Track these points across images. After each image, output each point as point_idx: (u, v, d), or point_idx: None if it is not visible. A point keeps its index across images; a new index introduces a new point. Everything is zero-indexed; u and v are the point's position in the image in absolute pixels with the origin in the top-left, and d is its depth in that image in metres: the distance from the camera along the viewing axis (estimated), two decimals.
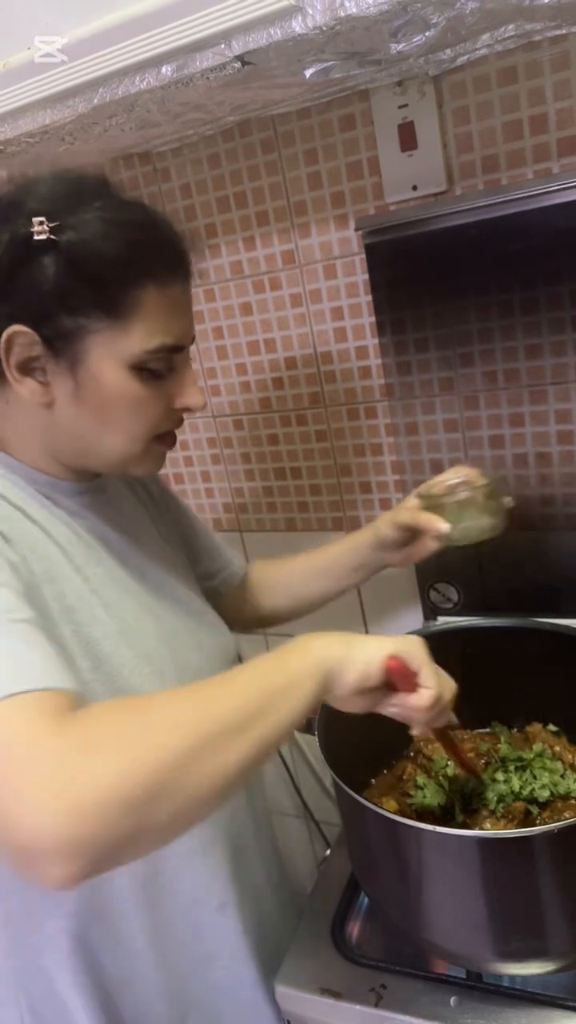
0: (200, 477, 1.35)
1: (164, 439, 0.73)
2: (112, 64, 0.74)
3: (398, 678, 0.63)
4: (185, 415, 0.75)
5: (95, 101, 0.79)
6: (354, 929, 0.84)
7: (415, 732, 0.69)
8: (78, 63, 0.75)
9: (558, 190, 0.88)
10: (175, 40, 0.71)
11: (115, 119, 0.85)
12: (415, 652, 0.64)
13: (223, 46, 0.72)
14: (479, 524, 0.84)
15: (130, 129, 0.90)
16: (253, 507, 1.33)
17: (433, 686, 0.64)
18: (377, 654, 0.62)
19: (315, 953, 0.79)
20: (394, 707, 0.65)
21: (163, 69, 0.75)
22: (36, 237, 0.61)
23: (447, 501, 0.84)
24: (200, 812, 0.52)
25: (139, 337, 0.65)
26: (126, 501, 0.84)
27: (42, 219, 0.61)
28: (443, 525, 0.82)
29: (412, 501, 0.88)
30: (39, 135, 0.86)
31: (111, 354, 0.65)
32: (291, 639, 0.62)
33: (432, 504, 0.85)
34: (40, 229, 0.61)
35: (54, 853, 0.45)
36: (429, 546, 0.87)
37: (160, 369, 0.68)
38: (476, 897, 0.67)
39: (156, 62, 0.74)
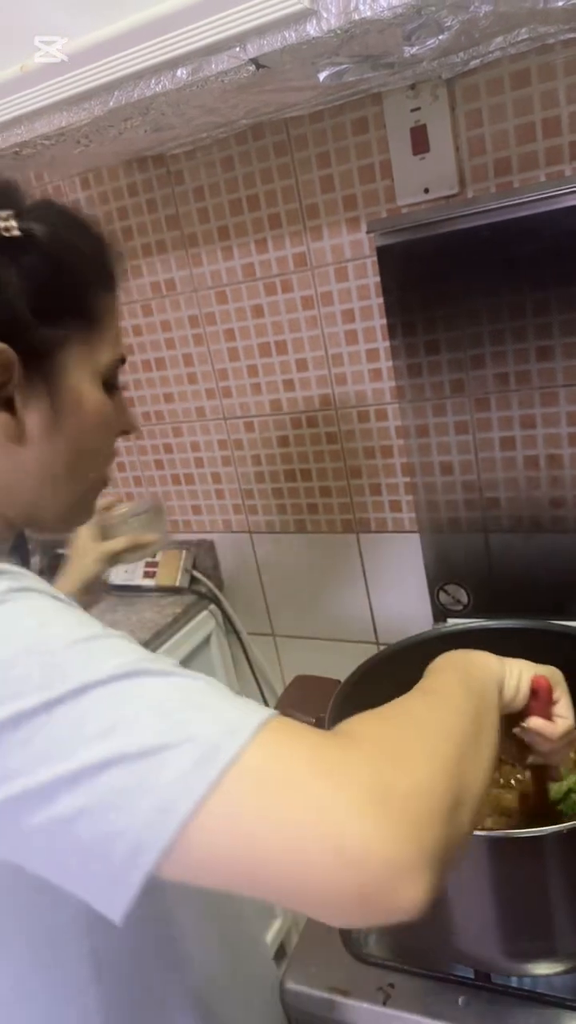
0: (211, 478, 1.36)
1: (99, 481, 0.63)
2: (128, 67, 0.75)
3: (542, 699, 0.62)
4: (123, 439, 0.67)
5: (110, 104, 0.80)
6: (361, 929, 0.84)
7: (529, 761, 0.67)
8: (94, 66, 0.76)
9: (570, 193, 0.89)
10: (190, 43, 0.72)
11: (130, 122, 0.86)
12: (556, 679, 0.63)
13: (238, 49, 0.72)
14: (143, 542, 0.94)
15: (145, 132, 0.91)
16: (263, 509, 1.33)
17: (569, 716, 0.63)
18: (527, 671, 0.61)
19: (323, 951, 0.79)
20: (527, 729, 0.63)
21: (178, 72, 0.75)
22: (3, 235, 0.51)
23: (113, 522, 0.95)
24: (478, 815, 0.47)
25: (109, 346, 0.57)
26: None
27: (8, 213, 0.52)
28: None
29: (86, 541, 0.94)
30: (55, 137, 0.87)
31: (87, 368, 0.56)
32: (448, 658, 0.59)
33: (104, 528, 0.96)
34: (7, 225, 0.51)
35: (408, 872, 0.39)
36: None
37: (115, 383, 0.60)
38: (485, 897, 0.67)
39: (171, 65, 0.75)
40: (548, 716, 0.63)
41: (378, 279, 1.06)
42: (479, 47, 0.85)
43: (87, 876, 0.40)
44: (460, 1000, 0.71)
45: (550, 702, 0.63)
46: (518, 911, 0.68)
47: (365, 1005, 0.73)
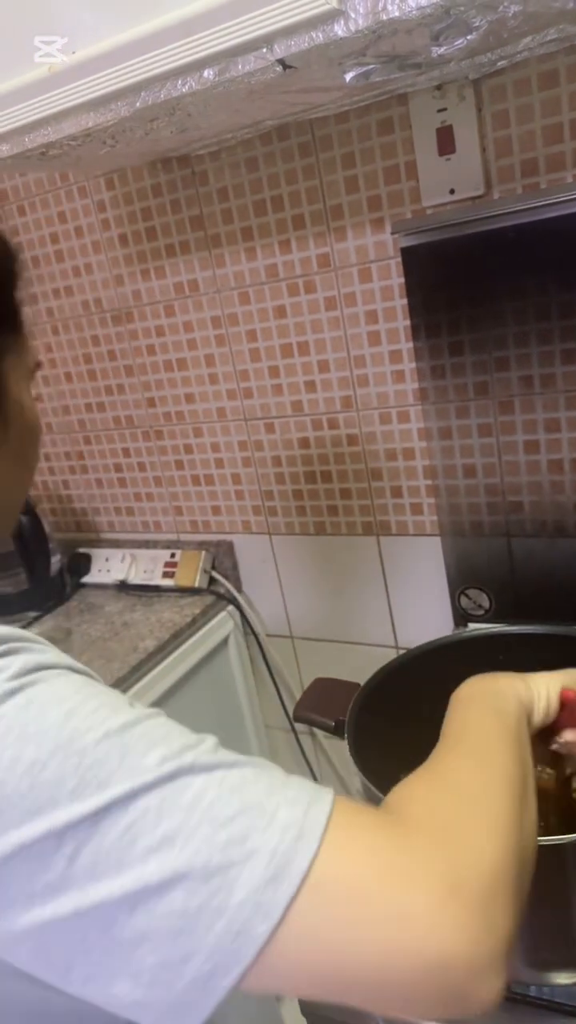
0: (231, 479, 1.36)
1: None
2: (155, 68, 0.75)
3: (571, 711, 0.62)
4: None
5: (137, 104, 0.80)
6: None
7: (569, 771, 0.67)
8: (121, 67, 0.76)
9: None
10: (218, 44, 0.72)
11: (156, 122, 0.86)
12: None
13: (265, 50, 0.72)
14: None
15: (170, 132, 0.91)
16: (283, 510, 1.33)
17: None
18: (554, 686, 0.61)
19: None
20: (565, 744, 0.63)
21: (205, 73, 0.75)
22: None
23: None
24: (534, 868, 0.46)
25: (31, 352, 0.55)
26: None
27: None
28: None
29: None
30: (81, 138, 0.87)
31: (24, 374, 0.54)
32: (474, 685, 0.59)
33: None
34: None
35: (484, 971, 0.37)
36: None
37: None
38: None
39: (198, 66, 0.75)
40: None
41: (402, 280, 1.05)
42: (507, 47, 0.85)
43: (148, 1003, 0.37)
44: None
45: None
46: (538, 920, 0.67)
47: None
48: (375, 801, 0.72)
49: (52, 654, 0.43)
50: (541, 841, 0.64)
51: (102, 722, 0.39)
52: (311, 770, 1.44)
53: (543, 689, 0.60)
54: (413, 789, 0.45)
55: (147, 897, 0.36)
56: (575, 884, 0.64)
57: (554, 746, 0.64)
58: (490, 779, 0.46)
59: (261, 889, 0.36)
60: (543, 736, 0.63)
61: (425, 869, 0.38)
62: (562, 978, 0.70)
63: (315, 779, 1.40)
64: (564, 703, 0.62)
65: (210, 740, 0.42)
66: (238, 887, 0.36)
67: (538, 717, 0.59)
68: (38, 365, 0.57)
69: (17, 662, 0.40)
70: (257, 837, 0.37)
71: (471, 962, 0.37)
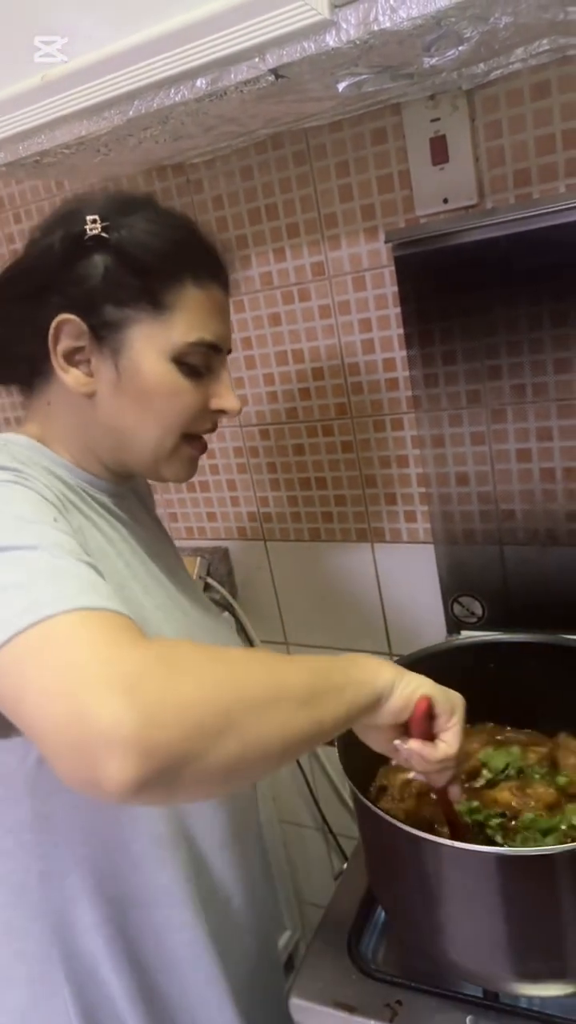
0: (226, 485, 1.36)
1: (195, 442, 0.76)
2: (148, 77, 0.76)
3: (417, 718, 0.64)
4: (219, 420, 0.77)
5: (130, 113, 0.80)
6: (370, 943, 0.83)
7: (410, 776, 0.71)
8: (114, 76, 0.77)
9: None
10: (210, 54, 0.72)
11: (149, 131, 0.86)
12: (451, 705, 0.66)
13: (257, 60, 0.73)
14: None
15: (164, 141, 0.92)
16: (278, 516, 1.33)
17: (452, 744, 0.66)
18: (417, 690, 0.64)
19: (331, 966, 0.78)
20: (405, 747, 0.66)
21: (198, 82, 0.76)
22: (89, 234, 0.67)
23: None
24: (253, 768, 0.53)
25: (180, 329, 0.69)
26: (146, 515, 0.86)
27: (95, 217, 0.67)
28: None
29: None
30: (75, 146, 0.87)
31: (153, 344, 0.69)
32: (345, 655, 0.64)
33: None
34: (92, 226, 0.67)
35: (118, 748, 0.45)
36: None
37: (198, 365, 0.72)
38: (495, 915, 0.66)
39: (191, 75, 0.75)
40: (430, 737, 0.66)
41: (396, 289, 1.05)
42: (499, 58, 0.85)
43: None
44: (468, 1019, 0.71)
45: (427, 723, 0.65)
46: (529, 930, 0.67)
47: (372, 1022, 0.72)
48: (362, 809, 0.72)
49: (30, 480, 0.62)
50: (530, 852, 0.64)
51: (23, 514, 0.57)
52: (305, 778, 1.43)
53: (413, 685, 0.64)
54: (191, 643, 0.55)
55: None
56: (564, 895, 0.64)
57: (396, 741, 0.66)
58: (253, 669, 0.55)
59: (14, 615, 0.50)
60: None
61: (126, 663, 0.48)
62: (553, 990, 0.70)
63: (309, 787, 1.40)
64: (415, 709, 0.63)
65: (85, 557, 0.56)
66: (4, 608, 0.50)
67: (394, 703, 0.63)
68: (202, 346, 0.71)
69: (4, 475, 0.61)
70: (39, 591, 0.51)
71: (104, 732, 0.45)
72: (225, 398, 0.75)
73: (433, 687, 0.65)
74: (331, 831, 1.45)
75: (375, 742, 0.69)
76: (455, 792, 0.73)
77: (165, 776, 0.47)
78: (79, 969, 0.73)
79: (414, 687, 0.64)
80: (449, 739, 0.66)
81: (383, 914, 0.86)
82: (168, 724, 0.47)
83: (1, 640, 0.49)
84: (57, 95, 0.81)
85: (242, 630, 1.42)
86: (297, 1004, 0.76)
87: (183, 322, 0.70)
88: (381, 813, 0.68)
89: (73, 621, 0.50)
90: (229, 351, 0.77)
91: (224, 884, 0.80)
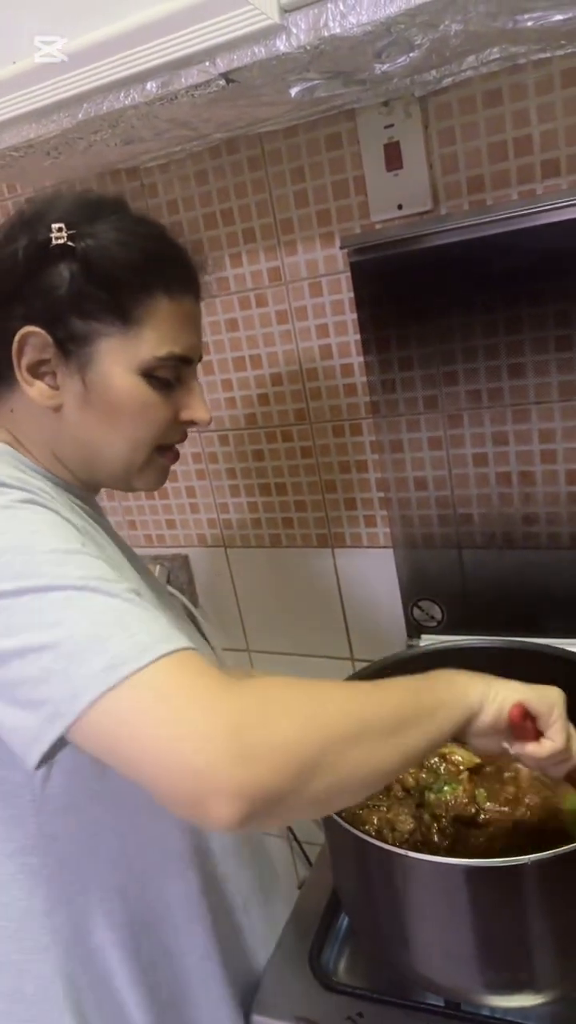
0: (185, 492, 1.35)
1: (167, 452, 0.75)
2: (96, 80, 0.74)
3: (516, 726, 0.64)
4: (189, 429, 0.76)
5: (79, 116, 0.79)
6: (332, 953, 0.82)
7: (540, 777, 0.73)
8: (62, 78, 0.75)
9: (542, 211, 0.89)
10: (159, 57, 0.71)
11: (99, 134, 0.85)
12: (548, 703, 0.66)
13: (207, 64, 0.72)
14: None
15: (115, 144, 0.90)
16: (238, 523, 1.32)
17: (559, 740, 0.65)
18: (509, 697, 0.64)
19: (292, 980, 0.78)
20: (513, 752, 0.66)
21: (147, 85, 0.75)
22: (54, 242, 0.64)
23: None
24: (344, 797, 0.55)
25: (150, 343, 0.67)
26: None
27: (61, 225, 0.64)
28: None
29: None
30: (24, 149, 0.86)
31: (121, 358, 0.67)
32: (432, 672, 0.64)
33: None
34: (58, 235, 0.64)
35: (225, 794, 0.47)
36: None
37: (168, 378, 0.70)
38: (462, 927, 0.66)
39: (140, 78, 0.74)
40: (535, 737, 0.66)
41: (352, 294, 1.05)
42: (451, 65, 0.85)
43: (16, 729, 0.52)
44: None
45: (528, 726, 0.65)
46: (497, 941, 0.66)
47: None
48: (330, 824, 0.72)
49: (44, 498, 0.61)
50: (497, 863, 0.64)
51: (56, 543, 0.56)
52: None
53: (501, 695, 0.64)
54: (276, 678, 0.56)
55: (30, 652, 0.51)
56: (532, 904, 0.64)
57: (504, 744, 0.66)
58: (345, 700, 0.56)
59: (99, 672, 0.49)
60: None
61: (225, 710, 0.50)
62: (519, 1000, 0.69)
63: None
64: (510, 717, 0.63)
65: (126, 585, 0.55)
66: (87, 664, 0.50)
67: (488, 717, 0.63)
68: (163, 358, 0.68)
69: (17, 495, 0.59)
70: (115, 642, 0.51)
71: (219, 781, 0.47)
72: (195, 409, 0.73)
73: (525, 690, 0.65)
74: (296, 839, 1.44)
75: (483, 748, 0.69)
76: None
77: (265, 813, 0.49)
78: (86, 1000, 0.70)
79: (503, 696, 0.63)
80: (554, 735, 0.65)
81: (345, 923, 0.85)
82: (270, 768, 0.49)
83: (91, 698, 0.49)
84: (3, 97, 0.79)
85: (203, 638, 1.40)
86: (258, 1021, 0.75)
87: (153, 336, 0.67)
88: (347, 826, 0.67)
89: (159, 672, 0.50)
90: (200, 359, 0.75)
91: (235, 897, 0.80)
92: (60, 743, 0.51)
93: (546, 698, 0.66)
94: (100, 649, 0.50)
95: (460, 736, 0.63)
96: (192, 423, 0.74)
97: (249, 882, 0.82)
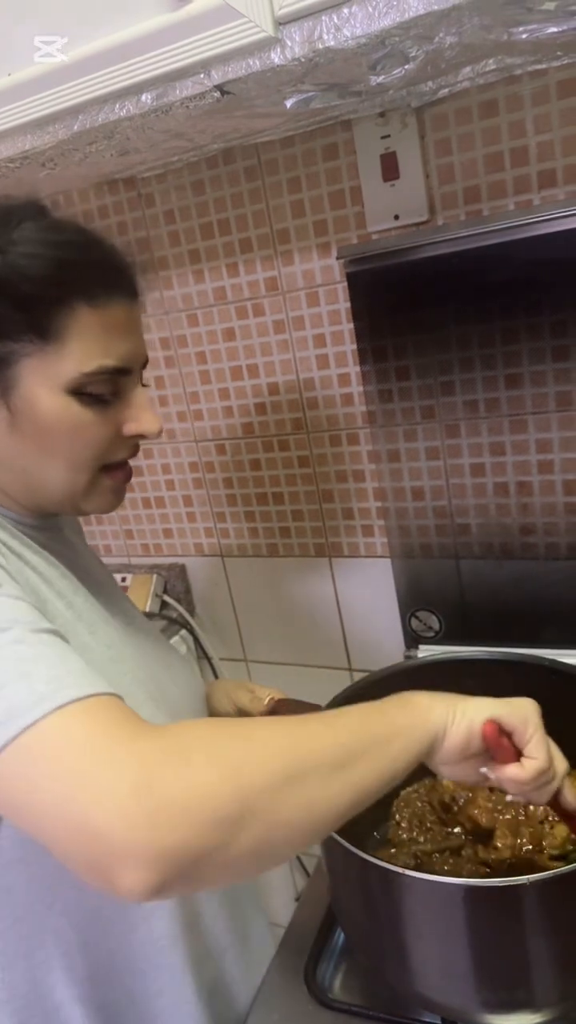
0: (182, 501, 1.34)
1: (114, 472, 0.68)
2: (91, 92, 0.74)
3: (492, 745, 0.59)
4: (141, 442, 0.70)
5: (75, 128, 0.79)
6: (328, 969, 0.81)
7: (508, 798, 0.66)
8: (57, 90, 0.75)
9: (538, 221, 0.89)
10: (154, 69, 0.71)
11: (95, 145, 0.85)
12: (522, 716, 0.60)
13: (202, 75, 0.72)
14: None
15: (111, 155, 0.90)
16: (235, 532, 1.32)
17: (540, 757, 0.60)
18: (479, 715, 0.59)
19: (287, 996, 0.77)
20: (494, 777, 0.61)
21: (142, 97, 0.75)
22: None
23: None
24: (283, 849, 0.49)
25: (75, 359, 0.61)
26: (80, 542, 0.81)
27: None
28: None
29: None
30: (19, 160, 0.86)
31: (45, 378, 0.61)
32: (389, 697, 0.59)
33: None
34: None
35: (131, 859, 0.43)
36: None
37: (103, 393, 0.64)
38: (460, 946, 0.65)
39: (135, 90, 0.74)
40: (516, 756, 0.61)
41: (349, 304, 1.05)
42: (447, 77, 0.85)
43: None
44: None
45: (505, 744, 0.60)
46: (496, 961, 0.65)
47: None
48: (327, 843, 0.71)
49: None
50: (496, 883, 0.63)
51: None
52: None
53: (469, 715, 0.59)
54: (209, 721, 0.53)
55: None
56: (531, 924, 0.63)
57: (483, 769, 0.61)
58: (277, 742, 0.50)
59: None
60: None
61: (132, 763, 0.45)
62: (516, 1020, 0.68)
63: None
64: (484, 738, 0.59)
65: (43, 624, 0.53)
66: None
67: (455, 741, 0.58)
68: (93, 373, 0.62)
69: None
70: (9, 692, 0.47)
71: (114, 847, 0.43)
72: (141, 421, 0.67)
73: (495, 705, 0.60)
74: None
75: (457, 777, 0.62)
76: (568, 799, 0.65)
77: (184, 876, 0.44)
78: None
79: (472, 715, 0.58)
80: (534, 751, 0.60)
81: (341, 939, 0.84)
82: (180, 826, 0.44)
83: None
84: None
85: (199, 648, 1.40)
86: None
87: (78, 351, 0.61)
88: (345, 843, 0.66)
89: (63, 721, 0.46)
90: (145, 364, 0.69)
91: (217, 938, 0.76)
92: None
93: (520, 711, 0.61)
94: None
95: (427, 764, 0.59)
96: (140, 436, 0.68)
97: (225, 923, 0.77)
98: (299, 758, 0.50)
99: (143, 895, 0.43)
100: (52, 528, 0.73)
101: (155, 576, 1.38)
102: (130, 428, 0.66)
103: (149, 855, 0.43)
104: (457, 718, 0.58)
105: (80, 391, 0.62)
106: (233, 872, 0.47)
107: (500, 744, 0.59)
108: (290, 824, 0.48)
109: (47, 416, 0.62)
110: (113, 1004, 0.70)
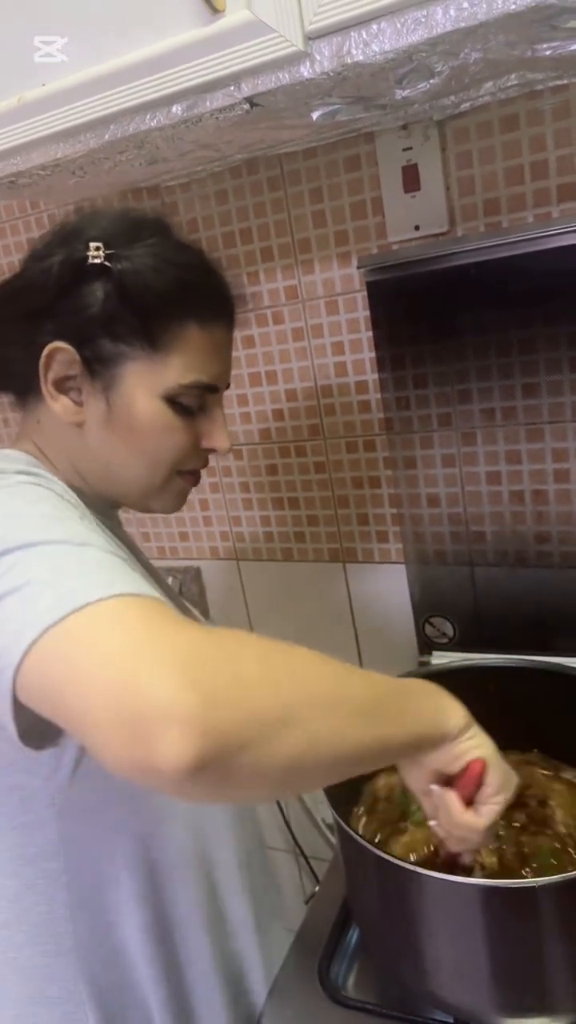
0: (198, 505, 1.36)
1: (187, 476, 0.75)
2: (124, 102, 0.76)
3: (467, 781, 0.60)
4: (210, 455, 0.76)
5: (106, 137, 0.81)
6: (341, 968, 0.82)
7: (436, 831, 0.66)
8: (91, 100, 0.77)
9: (557, 234, 0.90)
10: (186, 81, 0.73)
11: (125, 154, 0.87)
12: (505, 781, 0.62)
13: (232, 88, 0.74)
14: None
15: (139, 164, 0.92)
16: (251, 536, 1.33)
17: (487, 820, 0.61)
18: (482, 749, 0.60)
19: (300, 994, 0.78)
20: (438, 794, 0.62)
21: (173, 108, 0.76)
22: (90, 261, 0.65)
23: None
24: (311, 772, 0.49)
25: (176, 371, 0.68)
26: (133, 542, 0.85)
27: (99, 244, 0.65)
28: None
29: None
30: (51, 168, 0.88)
31: (146, 383, 0.67)
32: (421, 681, 0.61)
33: None
34: (95, 254, 0.65)
35: (176, 721, 0.41)
36: None
37: (192, 405, 0.70)
38: (476, 946, 0.65)
39: (167, 102, 0.76)
40: (469, 802, 0.62)
41: (368, 313, 1.07)
42: (469, 91, 0.87)
43: None
44: None
45: (474, 788, 0.61)
46: (512, 963, 0.65)
47: None
48: (343, 835, 0.72)
49: (47, 482, 0.62)
50: (514, 884, 0.63)
51: (48, 512, 0.56)
52: (277, 802, 1.42)
53: (474, 741, 0.60)
54: (253, 636, 0.50)
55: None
56: (546, 927, 0.63)
57: (432, 786, 0.62)
58: (322, 668, 0.51)
59: (42, 613, 0.46)
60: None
61: (182, 644, 0.45)
62: (531, 1023, 0.69)
63: (281, 810, 1.39)
64: (467, 767, 0.60)
65: (113, 548, 0.54)
66: (36, 604, 0.47)
67: (449, 752, 0.59)
68: (189, 386, 0.69)
69: (22, 478, 0.61)
70: (68, 582, 0.48)
71: (168, 704, 0.42)
72: (216, 438, 0.73)
73: (496, 754, 0.61)
74: (303, 854, 1.44)
75: (412, 779, 0.64)
76: (465, 862, 0.68)
77: (223, 760, 0.43)
78: (110, 1002, 0.71)
79: (478, 744, 0.60)
80: (486, 813, 0.61)
81: (355, 938, 0.85)
82: (229, 704, 0.43)
83: (33, 636, 0.45)
84: (33, 117, 0.81)
85: None
86: None
87: (180, 363, 0.68)
88: (363, 842, 0.67)
89: (115, 606, 0.46)
90: (227, 387, 0.76)
91: (235, 915, 0.79)
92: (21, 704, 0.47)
93: (506, 777, 0.62)
94: (49, 591, 0.47)
95: (420, 756, 0.60)
96: (212, 450, 0.74)
97: (246, 905, 0.81)
98: (339, 689, 0.51)
99: (180, 766, 0.41)
100: (115, 519, 0.78)
101: (170, 579, 1.40)
102: (207, 442, 0.73)
103: (196, 723, 0.42)
104: (468, 735, 0.60)
105: (174, 399, 0.69)
106: (261, 779, 0.46)
107: (473, 784, 0.60)
108: (327, 743, 0.48)
109: (141, 417, 0.68)
110: (165, 957, 0.73)
